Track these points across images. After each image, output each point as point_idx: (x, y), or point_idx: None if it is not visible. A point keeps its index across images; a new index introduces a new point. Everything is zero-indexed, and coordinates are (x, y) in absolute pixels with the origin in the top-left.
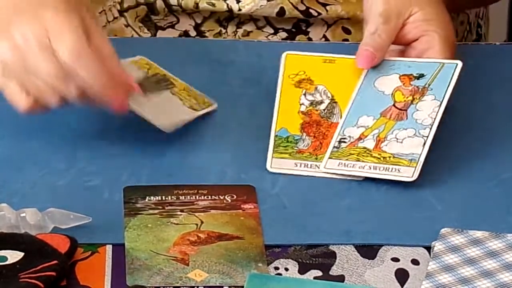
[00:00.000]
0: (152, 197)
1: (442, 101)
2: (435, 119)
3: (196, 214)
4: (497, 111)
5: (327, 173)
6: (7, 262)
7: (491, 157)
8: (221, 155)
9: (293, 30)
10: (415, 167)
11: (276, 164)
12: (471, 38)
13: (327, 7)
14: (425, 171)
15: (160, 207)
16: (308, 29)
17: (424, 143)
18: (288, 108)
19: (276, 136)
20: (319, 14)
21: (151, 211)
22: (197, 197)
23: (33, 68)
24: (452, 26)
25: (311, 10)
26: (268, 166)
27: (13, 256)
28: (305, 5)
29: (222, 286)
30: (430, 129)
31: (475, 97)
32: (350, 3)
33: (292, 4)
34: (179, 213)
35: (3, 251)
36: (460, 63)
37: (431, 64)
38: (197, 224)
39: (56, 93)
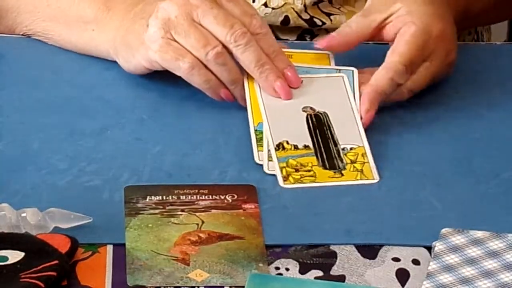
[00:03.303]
0: (152, 197)
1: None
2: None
3: (197, 214)
4: (497, 111)
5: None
6: (7, 262)
7: (491, 156)
8: (222, 155)
9: (297, 41)
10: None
11: (263, 156)
12: None
13: (331, 17)
14: (425, 171)
15: (161, 207)
16: (313, 40)
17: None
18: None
19: (256, 130)
20: (323, 23)
21: (151, 211)
22: (197, 197)
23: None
24: (439, 20)
25: (315, 20)
26: (256, 159)
27: (14, 256)
28: (309, 14)
29: (223, 286)
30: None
31: (475, 97)
32: (354, 13)
33: (296, 13)
34: (179, 213)
35: (3, 251)
36: (355, 70)
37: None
38: (197, 224)
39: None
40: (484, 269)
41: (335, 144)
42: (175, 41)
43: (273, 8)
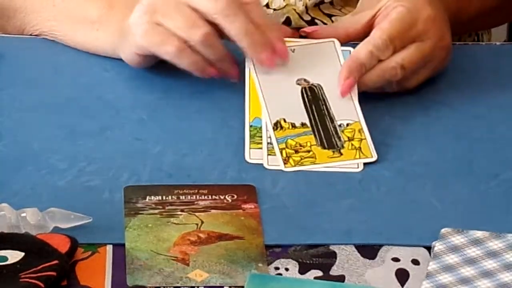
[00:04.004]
0: (152, 197)
1: None
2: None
3: (197, 214)
4: (497, 111)
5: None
6: (7, 262)
7: (492, 157)
8: (222, 155)
9: None
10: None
11: (255, 155)
12: None
13: (333, 18)
14: (426, 171)
15: (161, 207)
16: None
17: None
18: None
19: (251, 126)
20: (325, 25)
21: (151, 211)
22: (197, 197)
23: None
24: (428, 5)
25: (316, 21)
26: (247, 158)
27: (14, 256)
28: (310, 15)
29: (223, 286)
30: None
31: (475, 97)
32: None
33: (298, 14)
34: (179, 213)
35: (3, 251)
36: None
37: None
38: (197, 224)
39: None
40: (483, 269)
41: (332, 121)
42: (161, 25)
43: (274, 9)
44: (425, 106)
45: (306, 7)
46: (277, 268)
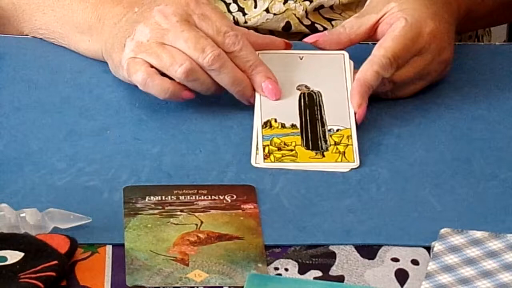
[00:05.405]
0: (152, 197)
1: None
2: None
3: (196, 214)
4: (497, 111)
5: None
6: (7, 262)
7: (491, 157)
8: (221, 155)
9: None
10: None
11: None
12: None
13: (333, 22)
14: (425, 171)
15: (160, 207)
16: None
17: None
18: None
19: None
20: (325, 29)
21: (151, 211)
22: (197, 197)
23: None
24: (431, 18)
25: (316, 25)
26: (253, 162)
27: (13, 256)
28: (310, 20)
29: (222, 287)
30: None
31: (475, 97)
32: None
33: (298, 18)
34: (179, 213)
35: (3, 251)
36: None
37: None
38: (197, 224)
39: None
40: (483, 269)
41: (323, 125)
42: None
43: (274, 14)
44: (425, 106)
45: (306, 11)
46: (276, 268)
